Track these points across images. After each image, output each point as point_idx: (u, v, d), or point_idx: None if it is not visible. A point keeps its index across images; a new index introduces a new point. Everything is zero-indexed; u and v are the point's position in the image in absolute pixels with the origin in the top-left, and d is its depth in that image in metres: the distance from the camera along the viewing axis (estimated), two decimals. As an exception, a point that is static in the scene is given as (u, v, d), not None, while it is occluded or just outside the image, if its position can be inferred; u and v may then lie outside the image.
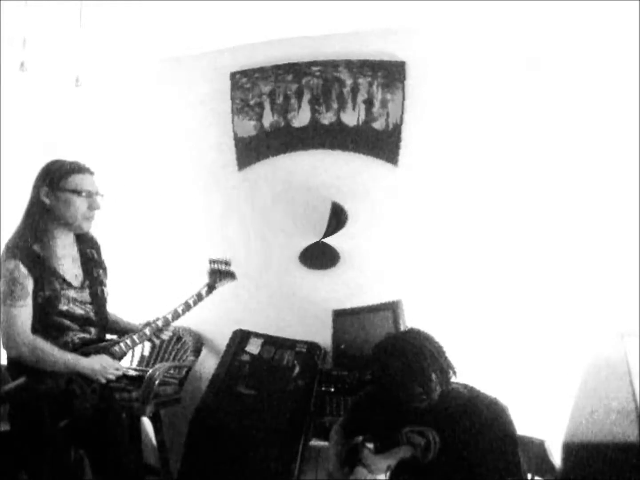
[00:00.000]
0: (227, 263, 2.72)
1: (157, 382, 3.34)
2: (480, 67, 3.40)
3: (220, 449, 3.29)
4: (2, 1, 3.04)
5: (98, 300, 2.46)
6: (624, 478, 1.04)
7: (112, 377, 2.37)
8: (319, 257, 3.67)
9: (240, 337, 3.63)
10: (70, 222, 2.38)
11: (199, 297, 2.61)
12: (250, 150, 3.79)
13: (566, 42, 3.21)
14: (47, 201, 2.36)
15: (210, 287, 2.66)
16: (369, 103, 3.57)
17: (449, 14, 3.28)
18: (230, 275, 2.73)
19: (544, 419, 2.64)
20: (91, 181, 2.42)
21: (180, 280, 3.86)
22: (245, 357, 3.55)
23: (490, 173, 3.39)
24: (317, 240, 3.65)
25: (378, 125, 3.56)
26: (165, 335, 2.54)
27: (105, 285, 2.52)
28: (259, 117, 3.76)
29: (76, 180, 2.37)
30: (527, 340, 3.19)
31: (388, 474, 2.11)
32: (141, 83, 4.06)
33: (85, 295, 2.42)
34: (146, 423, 3.68)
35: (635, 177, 3.04)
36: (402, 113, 3.52)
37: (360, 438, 2.27)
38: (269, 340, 3.59)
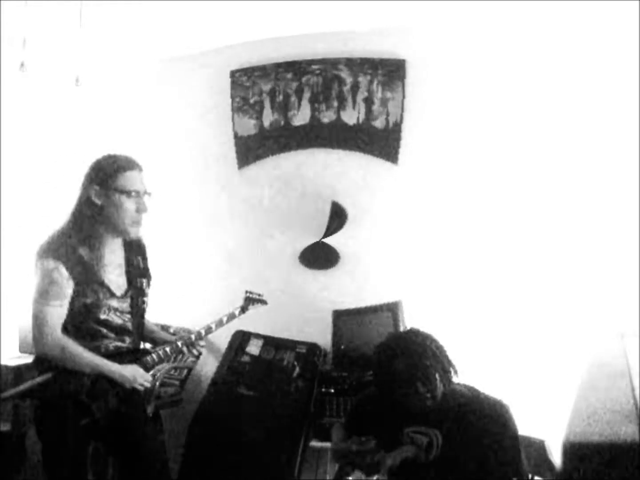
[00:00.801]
0: (260, 295, 2.87)
1: (158, 382, 3.33)
2: (481, 65, 3.40)
3: (220, 449, 3.29)
4: (2, 1, 3.04)
5: (137, 310, 2.43)
6: (624, 478, 1.04)
7: (139, 386, 2.36)
8: (319, 257, 3.67)
9: (241, 338, 3.63)
10: (119, 227, 2.33)
11: (232, 317, 2.71)
12: (250, 149, 3.79)
13: (566, 41, 3.21)
14: (98, 202, 2.30)
15: (243, 309, 2.77)
16: (369, 101, 3.57)
17: (449, 12, 3.27)
18: (262, 301, 2.86)
19: (544, 419, 2.64)
20: (140, 179, 2.37)
21: (180, 279, 3.89)
22: (246, 358, 3.55)
23: (491, 172, 3.38)
24: (317, 240, 3.65)
25: (378, 123, 3.56)
26: (197, 350, 2.57)
27: (146, 295, 2.49)
28: (259, 116, 3.76)
29: (127, 178, 2.32)
30: (527, 340, 3.19)
31: (390, 472, 2.10)
32: (141, 82, 4.06)
33: (126, 305, 2.39)
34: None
35: (635, 177, 3.04)
36: (402, 111, 3.52)
37: (363, 439, 2.26)
38: (269, 341, 3.59)
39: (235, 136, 3.82)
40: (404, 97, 3.52)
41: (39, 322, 2.23)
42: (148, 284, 2.52)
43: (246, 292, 2.84)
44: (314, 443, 3.25)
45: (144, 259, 2.53)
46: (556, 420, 1.58)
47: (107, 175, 2.31)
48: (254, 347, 3.59)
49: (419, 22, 3.41)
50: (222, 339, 3.70)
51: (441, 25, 3.42)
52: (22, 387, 2.33)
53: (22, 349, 3.64)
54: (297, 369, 3.43)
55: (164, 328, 3.24)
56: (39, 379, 2.26)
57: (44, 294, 2.22)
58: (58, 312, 2.23)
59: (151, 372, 2.43)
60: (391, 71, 3.52)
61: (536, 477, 2.46)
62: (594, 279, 3.13)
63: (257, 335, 3.63)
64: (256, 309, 2.85)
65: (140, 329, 2.47)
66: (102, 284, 2.31)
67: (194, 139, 3.94)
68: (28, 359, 3.47)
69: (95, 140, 4.01)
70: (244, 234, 3.83)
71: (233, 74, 3.81)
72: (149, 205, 2.38)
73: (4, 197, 3.81)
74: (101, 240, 2.33)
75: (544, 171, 3.29)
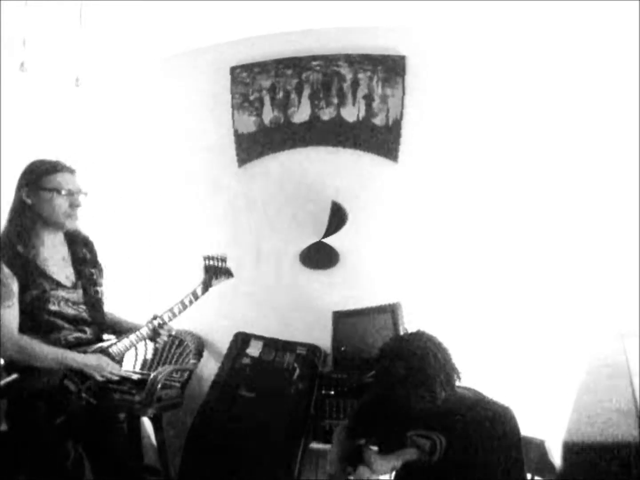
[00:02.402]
0: (222, 260, 2.66)
1: (159, 385, 3.34)
2: (481, 62, 3.40)
3: (220, 451, 3.29)
4: (2, 1, 3.03)
5: (92, 300, 2.44)
6: (624, 478, 1.04)
7: (109, 375, 2.35)
8: (319, 257, 3.67)
9: (241, 340, 3.63)
10: (52, 220, 2.36)
11: (195, 296, 2.57)
12: (250, 147, 3.78)
13: (566, 39, 3.22)
14: (28, 201, 2.35)
15: (206, 285, 2.60)
16: (369, 98, 3.56)
17: (449, 9, 3.26)
18: (226, 272, 2.67)
19: (544, 419, 2.64)
20: (72, 180, 2.40)
21: (180, 278, 3.88)
22: (246, 360, 3.54)
23: (491, 171, 3.38)
24: (318, 240, 3.65)
25: (378, 120, 3.56)
26: (163, 336, 2.50)
27: (100, 285, 2.49)
28: (259, 113, 3.75)
29: (57, 179, 2.36)
30: (527, 341, 3.19)
31: (393, 473, 2.11)
32: (141, 80, 4.04)
33: (78, 295, 2.40)
34: (146, 424, 3.68)
35: (635, 177, 3.04)
36: (402, 108, 3.52)
37: (363, 441, 2.27)
38: (270, 343, 3.59)
39: (236, 134, 3.81)
40: (404, 93, 3.52)
41: None
42: (100, 274, 2.51)
43: (204, 258, 2.63)
44: (314, 445, 3.25)
45: (92, 251, 2.53)
46: (556, 420, 1.58)
47: (36, 177, 2.36)
48: (254, 349, 3.59)
49: (419, 18, 3.40)
50: (223, 341, 3.71)
51: (441, 22, 3.42)
52: None
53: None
54: (298, 371, 3.43)
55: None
56: (5, 380, 2.24)
57: None
58: (11, 313, 2.24)
59: (157, 375, 2.41)
60: (391, 68, 3.52)
61: (536, 477, 2.46)
62: (594, 279, 3.13)
63: (258, 337, 3.63)
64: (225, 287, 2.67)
65: (99, 319, 2.46)
66: (44, 276, 2.31)
67: (194, 136, 3.93)
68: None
69: (95, 140, 4.01)
70: (243, 232, 3.82)
71: (233, 70, 3.80)
72: (83, 202, 2.40)
73: (4, 197, 3.80)
74: (37, 235, 2.35)
75: (544, 171, 3.29)
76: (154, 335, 2.49)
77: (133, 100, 4.03)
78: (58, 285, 2.34)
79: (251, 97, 3.76)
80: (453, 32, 3.43)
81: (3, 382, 2.24)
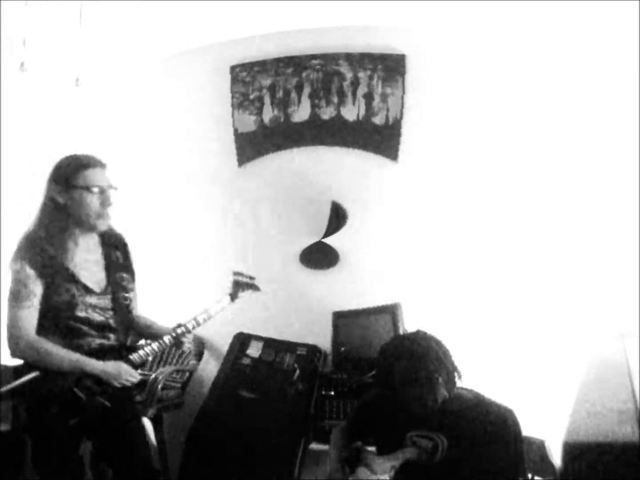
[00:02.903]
0: (251, 277, 2.69)
1: (160, 386, 3.34)
2: (481, 61, 3.40)
3: (220, 452, 3.29)
4: (2, 1, 3.03)
5: (120, 306, 2.40)
6: (624, 478, 1.04)
7: (125, 383, 2.32)
8: (319, 257, 3.67)
9: (241, 341, 3.63)
10: (85, 222, 2.32)
11: (221, 307, 2.57)
12: (250, 146, 3.78)
13: (565, 39, 3.22)
14: (60, 200, 2.30)
15: (232, 297, 2.61)
16: (369, 97, 3.56)
17: (449, 8, 3.26)
18: (253, 286, 2.69)
19: (544, 419, 2.64)
20: (103, 175, 2.35)
21: (179, 277, 3.88)
22: (246, 361, 3.54)
23: (492, 170, 3.38)
24: (318, 240, 3.65)
25: (378, 120, 3.56)
26: (186, 344, 2.49)
27: (130, 291, 2.45)
28: (259, 112, 3.75)
29: (87, 175, 2.31)
30: (527, 341, 3.19)
31: (392, 474, 2.10)
32: (140, 80, 4.04)
33: (107, 301, 2.37)
34: (146, 424, 3.68)
35: (635, 177, 3.04)
36: (402, 107, 3.52)
37: (359, 443, 2.26)
38: (270, 343, 3.59)
39: (236, 133, 3.81)
40: (404, 93, 3.52)
41: (11, 326, 2.22)
42: (131, 279, 2.48)
43: (234, 273, 2.65)
44: (314, 445, 3.25)
45: (125, 254, 2.50)
46: (556, 420, 1.58)
47: (67, 174, 2.31)
48: (254, 350, 3.59)
49: (419, 17, 3.39)
50: (223, 341, 3.71)
51: (441, 21, 3.42)
52: (6, 387, 2.30)
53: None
54: (298, 371, 3.43)
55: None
56: (24, 379, 2.24)
57: (14, 297, 2.22)
58: (29, 314, 2.22)
59: (154, 370, 2.40)
60: (391, 66, 3.52)
61: (536, 477, 2.46)
62: (594, 279, 3.13)
63: (258, 338, 3.62)
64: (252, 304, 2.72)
65: (125, 326, 2.44)
66: (75, 281, 2.29)
67: (194, 135, 3.92)
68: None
69: (95, 139, 4.01)
70: (243, 232, 3.82)
71: (233, 69, 3.80)
72: (114, 199, 2.36)
73: (4, 197, 3.80)
74: (71, 237, 2.31)
75: (544, 171, 3.29)
76: (177, 344, 2.48)
77: (133, 100, 4.02)
78: (88, 291, 2.31)
79: (251, 96, 3.76)
80: (453, 31, 3.43)
81: (23, 379, 2.24)
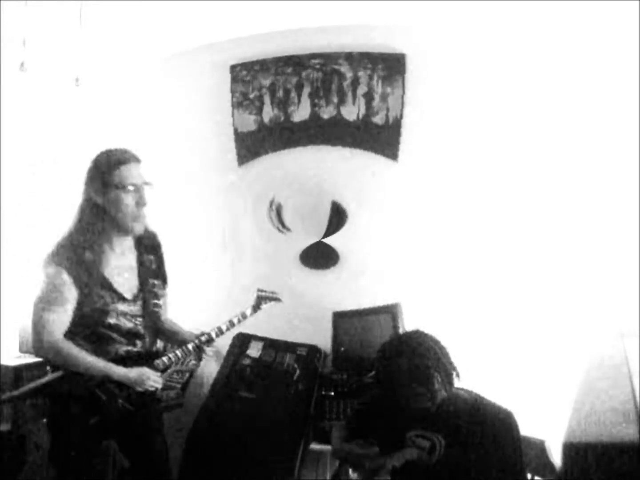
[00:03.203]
0: (274, 292, 2.74)
1: (159, 386, 3.34)
2: (481, 60, 3.40)
3: (220, 452, 3.29)
4: (2, 1, 3.03)
5: (149, 313, 2.41)
6: (624, 478, 1.04)
7: (150, 388, 2.34)
8: (319, 257, 3.67)
9: (242, 341, 3.63)
10: (121, 225, 2.29)
11: (243, 316, 2.61)
12: (251, 146, 3.78)
13: (565, 38, 3.22)
14: (98, 200, 2.27)
15: (255, 308, 2.65)
16: (369, 97, 3.56)
17: (449, 7, 3.25)
18: (275, 299, 2.73)
19: (544, 419, 2.64)
20: (137, 171, 2.31)
21: (178, 276, 3.87)
22: (247, 361, 3.54)
23: (492, 170, 3.38)
24: (318, 240, 3.65)
25: (378, 119, 3.56)
26: (209, 352, 2.51)
27: (160, 297, 2.45)
28: (259, 111, 3.75)
29: (122, 172, 2.27)
30: (527, 341, 3.19)
31: (392, 474, 2.11)
32: (140, 79, 4.03)
33: (137, 308, 2.37)
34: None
35: (635, 177, 3.04)
36: (402, 107, 3.52)
37: (360, 442, 2.27)
38: (270, 344, 3.59)
39: (236, 132, 3.81)
40: (404, 92, 3.52)
41: (38, 327, 2.22)
42: (163, 285, 2.48)
43: (258, 290, 2.71)
44: (314, 445, 3.25)
45: (158, 258, 2.48)
46: (556, 420, 1.58)
47: (103, 172, 2.28)
48: (254, 350, 3.59)
49: (419, 16, 3.39)
50: (223, 342, 3.70)
51: (441, 20, 3.41)
52: (31, 385, 2.35)
53: (22, 349, 3.64)
54: (298, 372, 3.43)
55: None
56: (49, 377, 2.26)
57: (45, 300, 2.21)
58: (59, 318, 2.21)
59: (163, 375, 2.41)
60: (391, 66, 3.52)
61: (536, 477, 2.46)
62: (594, 279, 3.13)
63: (258, 338, 3.62)
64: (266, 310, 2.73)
65: (153, 332, 2.44)
66: (109, 288, 2.28)
67: (194, 135, 3.92)
68: (28, 359, 3.49)
69: (95, 138, 4.00)
70: (243, 231, 3.82)
71: (233, 68, 3.80)
72: (148, 198, 2.33)
73: (4, 197, 3.81)
74: (108, 242, 2.30)
75: (544, 171, 3.29)
76: (199, 352, 2.49)
77: (133, 99, 4.02)
78: (120, 298, 2.31)
79: (251, 96, 3.76)
80: (453, 30, 3.43)
81: (47, 379, 2.26)
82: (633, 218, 3.02)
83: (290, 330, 3.62)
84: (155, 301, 2.43)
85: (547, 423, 2.43)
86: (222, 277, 3.84)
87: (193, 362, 3.73)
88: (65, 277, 2.20)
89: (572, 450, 1.07)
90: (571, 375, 1.93)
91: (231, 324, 2.55)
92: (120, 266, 2.34)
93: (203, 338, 2.47)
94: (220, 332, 2.51)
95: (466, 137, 3.43)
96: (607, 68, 3.12)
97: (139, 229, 2.35)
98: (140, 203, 2.31)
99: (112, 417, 2.28)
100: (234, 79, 3.79)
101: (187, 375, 3.69)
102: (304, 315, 3.66)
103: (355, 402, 3.05)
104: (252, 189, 3.81)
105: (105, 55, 3.83)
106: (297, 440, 3.25)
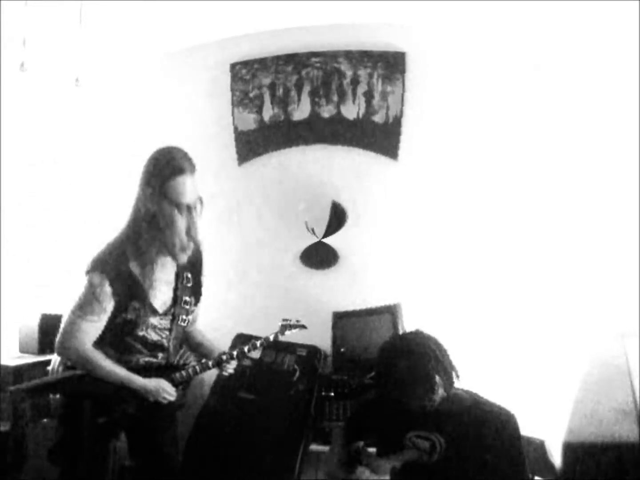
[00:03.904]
0: (298, 321, 2.75)
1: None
2: (481, 59, 3.39)
3: (221, 453, 3.29)
4: (2, 1, 3.04)
5: (177, 327, 2.41)
6: (624, 478, 1.04)
7: (163, 401, 2.34)
8: (319, 257, 3.66)
9: (242, 342, 3.62)
10: (169, 250, 2.28)
11: (267, 341, 2.63)
12: (251, 145, 3.77)
13: (565, 37, 3.22)
14: (150, 207, 2.24)
15: (278, 335, 2.68)
16: (369, 95, 3.56)
17: (449, 5, 3.25)
18: (301, 326, 2.74)
19: (544, 419, 2.64)
20: (192, 185, 2.27)
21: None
22: (247, 362, 3.54)
23: (492, 169, 3.38)
24: (317, 240, 3.64)
25: (378, 118, 3.56)
26: (230, 369, 2.52)
27: (190, 314, 2.45)
28: (259, 110, 3.74)
29: (178, 185, 2.23)
30: (527, 341, 3.19)
31: (392, 474, 2.11)
32: (140, 78, 4.02)
33: (166, 322, 2.37)
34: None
35: (635, 177, 3.04)
36: (402, 106, 3.52)
37: (362, 443, 2.27)
38: (270, 344, 3.58)
39: (236, 131, 3.80)
40: (403, 91, 3.51)
41: (69, 333, 2.22)
42: (196, 302, 2.48)
43: (283, 319, 2.72)
44: (314, 446, 3.25)
45: (196, 274, 2.47)
46: (556, 420, 1.58)
47: (161, 180, 2.23)
48: (254, 351, 3.58)
49: (419, 15, 3.39)
50: (223, 342, 3.70)
51: (441, 19, 3.41)
52: (45, 379, 2.37)
53: (22, 349, 3.64)
54: (298, 373, 3.43)
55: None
56: (66, 374, 2.28)
57: (82, 307, 2.21)
58: (92, 326, 2.22)
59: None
60: (391, 64, 3.51)
61: (536, 477, 2.46)
62: (594, 279, 3.13)
63: (258, 339, 3.62)
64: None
65: (177, 345, 2.45)
66: (145, 301, 2.28)
67: (194, 133, 3.91)
68: (28, 359, 3.49)
69: (95, 137, 4.01)
70: (243, 231, 3.82)
71: (233, 67, 3.79)
72: (200, 226, 2.32)
73: (4, 197, 3.81)
74: (155, 253, 2.28)
75: (544, 170, 3.29)
76: (220, 369, 2.50)
77: (132, 98, 4.02)
78: (153, 311, 2.31)
79: (251, 94, 3.76)
80: (453, 29, 3.43)
81: (64, 375, 2.29)
82: (633, 218, 3.02)
83: (290, 331, 3.61)
84: (185, 317, 2.43)
85: (547, 423, 2.43)
86: (222, 277, 3.83)
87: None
88: (108, 288, 2.20)
89: (572, 450, 1.07)
90: (571, 375, 1.93)
91: (253, 346, 2.57)
92: (159, 279, 2.33)
93: (224, 357, 2.48)
94: (241, 353, 2.53)
95: (466, 135, 3.43)
96: (607, 67, 3.12)
97: (182, 259, 2.33)
98: (191, 234, 2.29)
99: (120, 422, 2.31)
100: (234, 78, 3.79)
101: (189, 376, 3.69)
102: (304, 315, 3.64)
103: (355, 403, 3.05)
104: (252, 188, 3.80)
105: (105, 55, 3.83)
106: (297, 441, 3.24)
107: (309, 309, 3.63)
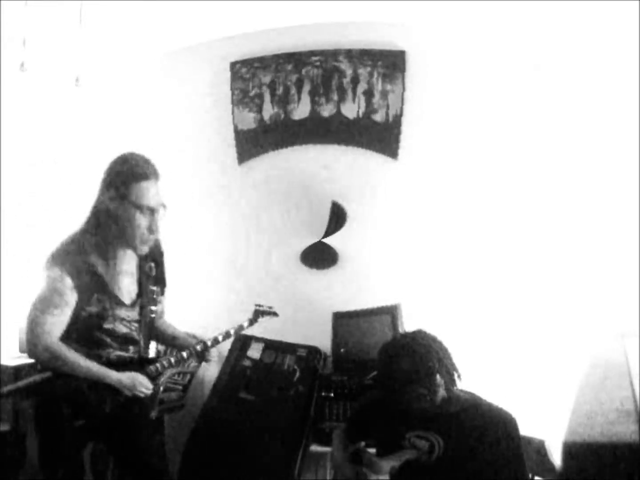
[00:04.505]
0: (271, 308, 2.79)
1: (161, 388, 3.34)
2: (481, 58, 3.39)
3: (221, 453, 3.29)
4: (2, 1, 3.04)
5: (146, 319, 2.41)
6: (624, 478, 1.04)
7: (139, 394, 2.33)
8: (319, 257, 3.66)
9: (242, 342, 3.63)
10: (129, 243, 2.31)
11: (240, 328, 2.66)
12: (251, 144, 3.77)
13: (565, 36, 3.22)
14: (111, 207, 2.27)
15: (252, 322, 2.71)
16: (369, 94, 3.56)
17: (449, 4, 3.25)
18: (272, 313, 2.78)
19: (544, 419, 2.64)
20: (155, 190, 2.31)
21: (177, 275, 3.87)
22: (247, 363, 3.54)
23: (492, 168, 3.38)
24: (317, 240, 3.64)
25: (378, 117, 3.55)
26: (213, 357, 2.54)
27: (158, 304, 2.46)
28: (259, 109, 3.74)
29: (141, 189, 2.26)
30: (528, 341, 3.19)
31: (392, 474, 2.11)
32: (140, 77, 4.02)
33: (134, 313, 2.37)
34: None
35: (635, 177, 3.04)
36: (402, 104, 3.51)
37: (363, 443, 2.28)
38: (270, 345, 3.59)
39: (236, 130, 3.80)
40: (404, 89, 3.51)
41: (33, 329, 2.21)
42: (161, 292, 2.49)
43: (255, 305, 2.77)
44: (314, 447, 3.25)
45: (159, 265, 2.49)
46: (556, 420, 1.58)
47: (122, 183, 2.27)
48: (255, 351, 3.59)
49: (419, 13, 3.38)
50: (224, 343, 3.69)
51: (441, 18, 3.40)
52: (19, 383, 2.33)
53: (22, 349, 3.64)
54: (298, 373, 3.43)
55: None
56: (37, 377, 2.25)
57: (44, 302, 2.20)
58: (56, 320, 2.21)
59: (160, 381, 2.41)
60: (391, 63, 3.51)
61: (536, 477, 2.46)
62: (594, 279, 3.13)
63: (258, 339, 3.62)
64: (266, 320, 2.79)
65: (147, 337, 2.44)
66: (110, 294, 2.28)
67: (195, 133, 3.91)
68: (28, 359, 3.48)
69: (95, 136, 4.00)
70: (243, 231, 3.82)
71: (233, 65, 3.79)
72: (162, 224, 2.34)
73: (4, 197, 3.81)
74: (112, 248, 2.30)
75: (544, 170, 3.28)
76: (195, 359, 2.53)
77: (132, 98, 4.02)
78: (118, 303, 2.31)
79: (251, 93, 3.75)
80: (454, 27, 3.43)
81: (37, 377, 2.25)
82: (633, 218, 3.02)
83: (290, 331, 3.62)
84: (153, 307, 2.44)
85: (547, 423, 2.44)
86: (222, 276, 3.84)
87: (194, 363, 3.73)
88: (68, 281, 2.20)
89: (572, 450, 1.07)
90: (571, 375, 1.93)
91: (227, 335, 2.60)
92: (121, 272, 2.34)
93: (199, 347, 2.49)
94: (216, 342, 2.54)
95: (466, 134, 3.43)
96: (607, 67, 3.12)
97: (143, 251, 2.35)
98: (152, 229, 2.31)
99: (98, 420, 2.28)
100: (234, 76, 3.78)
101: (189, 376, 3.69)
102: (304, 315, 3.65)
103: (354, 403, 3.05)
104: (252, 188, 3.80)
105: (105, 55, 3.83)
106: (297, 441, 3.24)
107: (309, 309, 3.64)
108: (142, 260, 2.42)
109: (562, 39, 3.22)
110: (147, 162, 2.34)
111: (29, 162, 4.00)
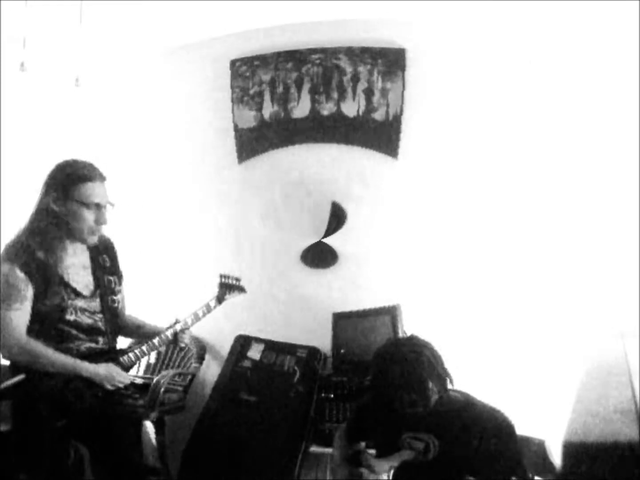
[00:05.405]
0: (237, 279, 2.75)
1: (162, 389, 3.35)
2: (482, 56, 3.40)
3: (221, 454, 3.29)
4: (2, 1, 3.04)
5: (109, 309, 2.43)
6: (624, 478, 1.04)
7: (118, 384, 2.34)
8: (319, 257, 3.66)
9: (242, 343, 3.63)
10: (76, 235, 2.33)
11: (208, 309, 2.62)
12: (251, 143, 3.77)
13: (565, 35, 3.22)
14: (55, 208, 2.30)
15: (219, 299, 2.68)
16: (369, 92, 3.55)
17: (449, 4, 3.25)
18: (239, 288, 2.75)
19: (544, 419, 2.64)
20: (101, 190, 2.35)
21: (177, 275, 3.88)
22: (247, 363, 3.55)
23: (493, 168, 3.38)
24: (317, 239, 3.64)
25: (378, 115, 3.55)
26: (186, 340, 2.52)
27: (117, 293, 2.48)
28: (259, 108, 3.74)
29: (87, 190, 2.30)
30: (527, 340, 3.19)
31: (391, 473, 2.14)
32: (140, 75, 4.03)
33: (96, 304, 2.39)
34: (147, 424, 3.67)
35: (635, 177, 3.04)
36: (402, 103, 3.51)
37: (363, 444, 2.29)
38: (270, 346, 3.60)
39: (236, 129, 3.80)
40: (404, 88, 3.51)
41: (1, 328, 2.22)
42: (119, 282, 2.51)
43: (220, 276, 2.72)
44: (314, 448, 3.25)
45: (113, 258, 2.52)
46: (556, 420, 1.58)
47: (65, 185, 2.30)
48: (255, 352, 3.59)
49: (419, 11, 3.38)
50: (224, 343, 3.70)
51: (442, 16, 3.41)
52: None
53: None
54: (298, 374, 3.43)
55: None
56: (12, 380, 2.23)
57: (4, 299, 2.21)
58: (20, 316, 2.22)
59: (155, 374, 2.41)
60: (391, 61, 3.51)
61: (536, 477, 2.46)
62: (594, 278, 3.13)
63: (258, 340, 3.63)
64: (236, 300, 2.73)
65: (114, 329, 2.46)
66: (64, 285, 2.30)
67: (195, 131, 3.91)
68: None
69: (95, 136, 4.00)
70: (242, 230, 3.81)
71: (233, 63, 3.79)
72: (109, 217, 2.36)
73: (4, 197, 3.80)
74: (62, 242, 2.32)
75: (544, 169, 3.29)
76: (174, 341, 2.51)
77: (132, 96, 4.02)
78: (77, 294, 2.33)
79: (251, 91, 3.75)
80: (454, 25, 3.43)
81: (9, 382, 2.23)
82: (633, 218, 3.02)
83: (290, 332, 3.62)
84: (113, 297, 2.45)
85: (547, 423, 2.43)
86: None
87: (195, 365, 3.74)
88: (20, 274, 2.22)
89: (572, 450, 1.07)
90: (571, 375, 1.93)
91: (196, 317, 2.57)
92: (74, 264, 2.37)
93: (169, 333, 2.49)
94: (185, 325, 2.53)
95: (467, 133, 3.43)
96: (604, 62, 3.12)
97: (92, 241, 2.38)
98: (99, 221, 2.34)
99: (80, 418, 2.27)
100: (234, 75, 3.78)
101: (189, 378, 3.70)
102: (304, 316, 3.66)
103: (354, 404, 3.05)
104: (252, 187, 3.80)
105: (105, 48, 3.82)
106: (297, 442, 3.24)
107: (309, 309, 3.64)
108: (94, 253, 2.44)
109: (561, 37, 3.22)
110: (91, 165, 2.37)
111: (29, 162, 4.00)
